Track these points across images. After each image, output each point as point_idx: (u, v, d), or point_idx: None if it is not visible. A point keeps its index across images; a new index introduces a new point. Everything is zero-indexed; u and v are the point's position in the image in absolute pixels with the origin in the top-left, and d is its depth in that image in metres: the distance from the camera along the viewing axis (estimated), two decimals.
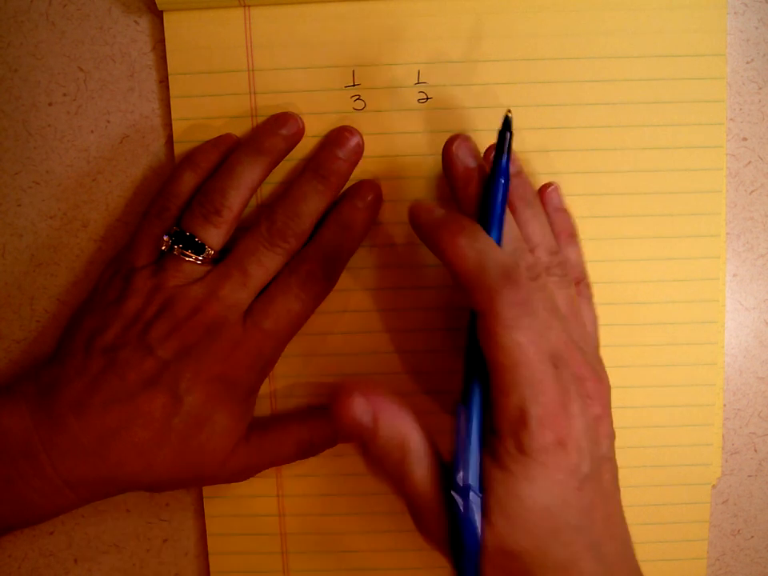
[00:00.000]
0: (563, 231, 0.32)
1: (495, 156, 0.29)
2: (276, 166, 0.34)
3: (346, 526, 0.37)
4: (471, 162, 0.30)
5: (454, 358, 0.36)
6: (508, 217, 0.29)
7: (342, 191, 0.34)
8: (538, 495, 0.25)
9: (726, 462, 0.38)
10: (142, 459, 0.31)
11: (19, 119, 0.35)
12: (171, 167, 0.35)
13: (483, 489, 0.25)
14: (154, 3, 0.33)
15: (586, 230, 0.35)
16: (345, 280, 0.35)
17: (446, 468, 0.26)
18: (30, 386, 0.32)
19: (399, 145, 0.35)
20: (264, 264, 0.32)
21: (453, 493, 0.25)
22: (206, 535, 0.37)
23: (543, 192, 0.33)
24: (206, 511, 0.37)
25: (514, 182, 0.29)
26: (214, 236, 0.32)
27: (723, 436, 0.37)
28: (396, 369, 0.36)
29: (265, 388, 0.36)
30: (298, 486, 0.37)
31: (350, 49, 0.34)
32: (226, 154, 0.34)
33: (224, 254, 0.33)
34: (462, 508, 0.25)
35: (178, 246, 0.32)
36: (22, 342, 0.37)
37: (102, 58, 0.35)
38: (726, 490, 0.38)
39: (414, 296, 0.35)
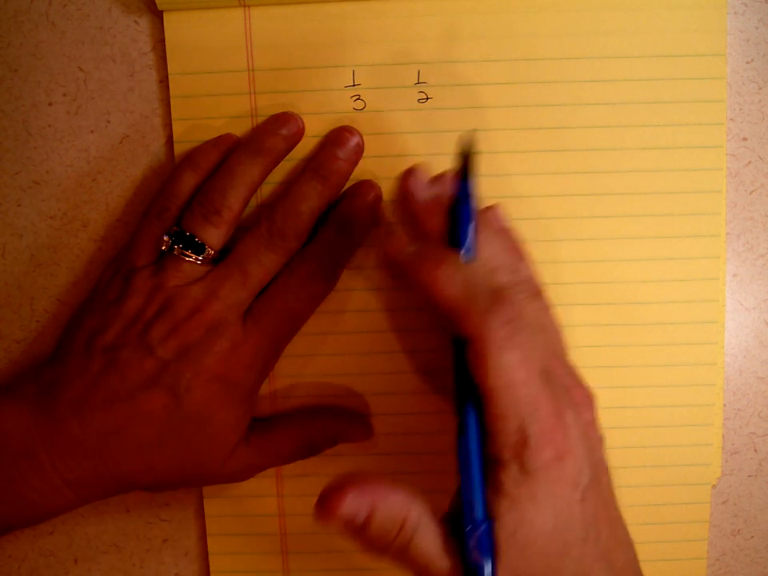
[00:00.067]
0: (512, 247, 0.31)
1: (459, 181, 0.28)
2: (276, 165, 0.34)
3: None
4: (430, 194, 0.29)
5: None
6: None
7: (342, 191, 0.34)
8: (545, 515, 0.25)
9: (726, 462, 0.38)
10: (142, 459, 0.31)
11: (19, 119, 0.35)
12: (171, 167, 0.35)
13: (491, 523, 0.25)
14: (154, 3, 0.33)
15: (585, 229, 0.35)
16: (345, 280, 0.35)
17: (451, 519, 0.26)
18: (30, 386, 0.32)
19: (399, 145, 0.35)
20: (264, 264, 0.32)
21: (465, 534, 0.25)
22: (206, 535, 0.37)
23: (488, 213, 0.32)
24: (206, 511, 0.37)
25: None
26: (214, 236, 0.32)
27: (723, 436, 0.37)
28: (396, 369, 0.36)
29: (265, 388, 0.36)
30: (298, 486, 0.37)
31: (350, 49, 0.34)
32: (226, 153, 0.34)
33: (224, 254, 0.33)
34: (474, 547, 0.24)
35: (178, 245, 0.32)
36: (22, 342, 0.37)
37: (102, 58, 0.35)
38: (726, 490, 0.38)
39: (414, 296, 0.35)
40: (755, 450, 0.38)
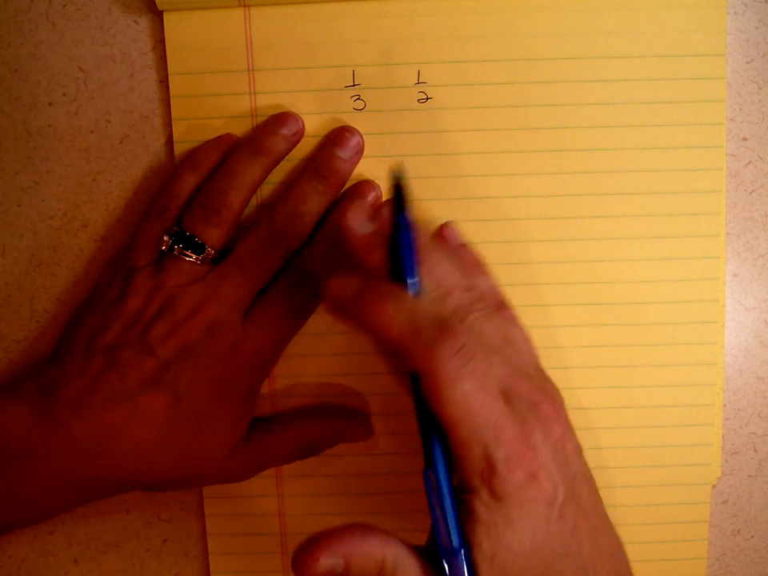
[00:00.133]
0: (469, 264, 0.31)
1: (394, 212, 0.27)
2: (276, 166, 0.34)
3: None
4: (368, 228, 0.28)
5: None
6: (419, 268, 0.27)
7: (342, 191, 0.34)
8: (522, 537, 0.24)
9: (726, 462, 0.38)
10: (142, 459, 0.31)
11: (19, 119, 0.35)
12: (171, 167, 0.35)
13: (468, 547, 0.25)
14: (154, 3, 0.33)
15: (585, 230, 0.35)
16: None
17: (430, 549, 0.26)
18: (30, 386, 0.32)
19: (399, 145, 0.35)
20: (264, 264, 0.32)
21: (443, 563, 0.25)
22: (206, 535, 0.37)
23: (441, 233, 0.32)
24: (206, 511, 0.37)
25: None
26: (214, 236, 0.32)
27: (723, 436, 0.37)
28: None
29: (265, 388, 0.36)
30: (298, 486, 0.37)
31: (350, 49, 0.34)
32: (226, 153, 0.34)
33: (224, 253, 0.33)
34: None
35: (178, 245, 0.32)
36: (22, 342, 0.37)
37: (102, 57, 0.35)
38: (726, 489, 0.38)
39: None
40: (755, 450, 0.38)
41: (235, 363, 0.32)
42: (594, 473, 0.28)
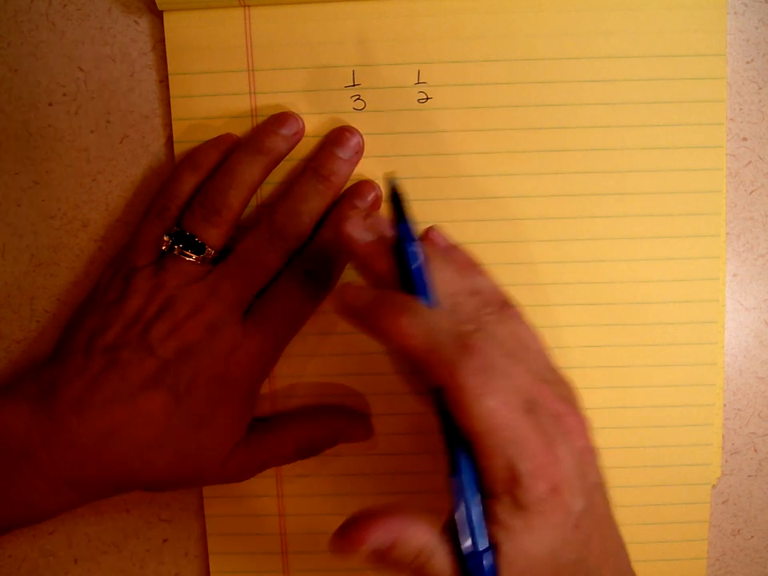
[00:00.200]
0: (465, 265, 0.30)
1: (396, 224, 0.27)
2: (276, 166, 0.34)
3: None
4: (370, 236, 0.28)
5: None
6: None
7: (342, 191, 0.34)
8: (540, 543, 0.25)
9: (726, 462, 0.38)
10: (143, 459, 0.31)
11: (19, 119, 0.35)
12: (171, 167, 0.35)
13: (490, 550, 0.25)
14: (154, 3, 0.33)
15: (586, 230, 0.35)
16: (345, 280, 0.35)
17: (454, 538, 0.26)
18: (30, 386, 0.32)
19: (399, 145, 0.35)
20: (264, 264, 0.32)
21: (467, 561, 0.25)
22: (206, 535, 0.37)
23: (428, 236, 0.31)
24: (206, 511, 0.37)
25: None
26: (214, 236, 0.32)
27: (723, 436, 0.37)
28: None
29: (265, 388, 0.36)
30: (298, 486, 0.37)
31: (350, 49, 0.34)
32: (226, 153, 0.34)
33: (224, 253, 0.33)
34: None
35: (178, 245, 0.32)
36: (22, 342, 0.37)
37: (102, 58, 0.35)
38: (726, 489, 0.38)
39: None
40: (755, 450, 0.38)
41: (235, 363, 0.32)
42: None
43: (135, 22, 0.35)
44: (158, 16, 0.35)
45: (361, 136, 0.34)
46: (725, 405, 0.37)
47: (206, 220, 0.32)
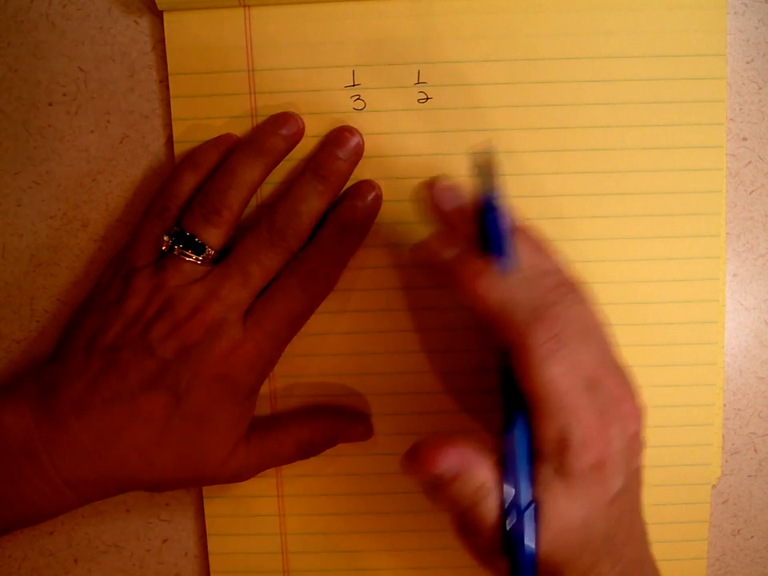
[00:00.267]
0: (542, 244, 0.30)
1: (486, 192, 0.28)
2: (276, 166, 0.34)
3: (346, 526, 0.37)
4: (456, 203, 0.29)
5: (453, 359, 0.36)
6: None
7: (342, 191, 0.34)
8: (576, 513, 0.26)
9: (726, 462, 0.38)
10: (143, 459, 0.31)
11: (19, 119, 0.35)
12: (171, 167, 0.35)
13: (532, 506, 0.26)
14: (154, 3, 0.33)
15: (586, 230, 0.35)
16: (345, 280, 0.35)
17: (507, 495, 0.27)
18: (30, 386, 0.32)
19: (399, 145, 0.35)
20: (264, 264, 0.32)
21: (511, 513, 0.26)
22: (205, 535, 0.37)
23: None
24: (206, 511, 0.37)
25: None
26: (214, 236, 0.32)
27: (723, 436, 0.37)
28: (396, 369, 0.36)
29: (265, 388, 0.36)
30: (298, 486, 0.37)
31: (350, 49, 0.34)
32: (226, 153, 0.34)
33: (224, 254, 0.33)
34: (519, 526, 0.26)
35: (178, 246, 0.32)
36: (22, 342, 0.37)
37: (102, 58, 0.35)
38: (726, 489, 0.38)
39: (414, 296, 0.35)
40: (755, 450, 0.38)
41: (235, 363, 0.32)
42: None
43: (135, 22, 0.35)
44: (158, 16, 0.35)
45: (361, 136, 0.34)
46: (725, 405, 0.37)
47: (206, 220, 0.32)
